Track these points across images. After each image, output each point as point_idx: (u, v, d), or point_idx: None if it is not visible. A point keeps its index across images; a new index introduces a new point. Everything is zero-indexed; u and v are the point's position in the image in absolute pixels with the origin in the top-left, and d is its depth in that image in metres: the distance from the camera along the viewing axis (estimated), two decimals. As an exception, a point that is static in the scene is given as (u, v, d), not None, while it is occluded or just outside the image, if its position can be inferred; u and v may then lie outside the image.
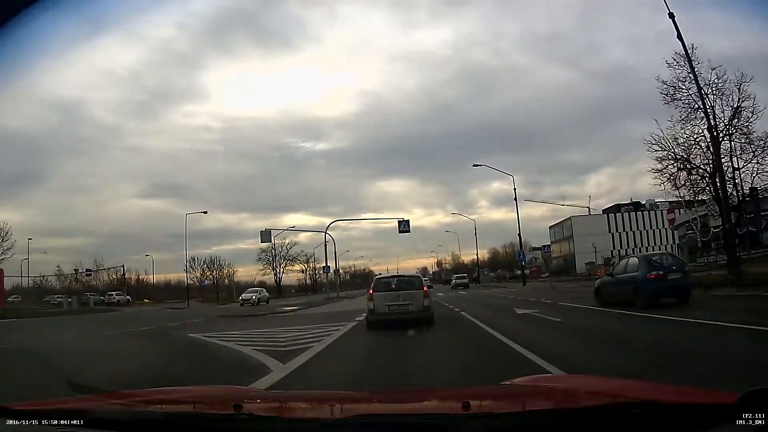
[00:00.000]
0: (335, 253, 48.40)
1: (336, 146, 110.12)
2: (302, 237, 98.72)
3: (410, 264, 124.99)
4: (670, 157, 20.19)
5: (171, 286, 67.03)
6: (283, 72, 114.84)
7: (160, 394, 2.44)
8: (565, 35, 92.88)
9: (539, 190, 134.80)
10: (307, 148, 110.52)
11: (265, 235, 40.81)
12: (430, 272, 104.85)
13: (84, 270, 57.34)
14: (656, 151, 20.29)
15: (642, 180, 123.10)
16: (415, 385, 5.49)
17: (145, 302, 53.19)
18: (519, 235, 44.26)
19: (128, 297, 53.09)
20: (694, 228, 39.89)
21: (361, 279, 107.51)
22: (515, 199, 41.71)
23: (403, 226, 38.00)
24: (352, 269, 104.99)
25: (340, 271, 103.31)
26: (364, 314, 14.05)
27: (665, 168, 20.33)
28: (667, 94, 19.40)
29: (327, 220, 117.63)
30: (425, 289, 12.97)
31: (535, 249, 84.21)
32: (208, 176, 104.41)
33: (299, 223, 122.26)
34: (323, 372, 7.35)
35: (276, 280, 70.35)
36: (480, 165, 43.27)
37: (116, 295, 52.25)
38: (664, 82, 19.45)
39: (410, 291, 12.68)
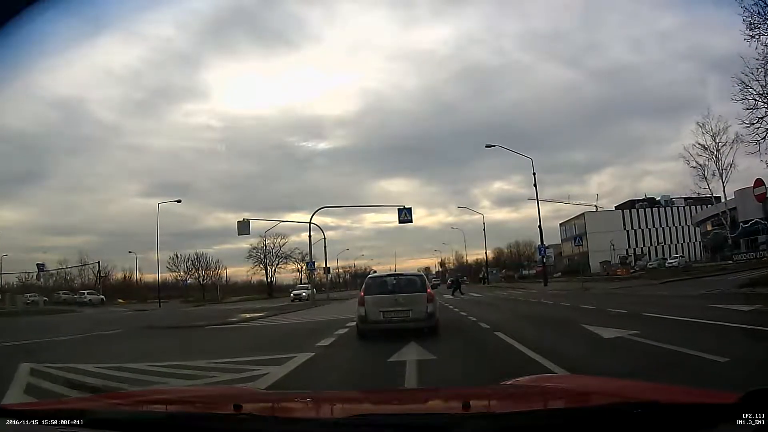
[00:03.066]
0: (325, 248, 45.95)
1: (337, 145, 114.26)
2: (304, 236, 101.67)
3: (413, 264, 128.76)
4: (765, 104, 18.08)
5: (167, 285, 67.65)
6: (283, 71, 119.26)
7: (160, 394, 2.55)
8: (565, 34, 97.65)
9: (541, 190, 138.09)
10: (309, 148, 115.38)
11: (243, 226, 36.74)
12: (433, 272, 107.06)
13: (37, 267, 56.56)
14: (747, 98, 18.39)
15: (645, 180, 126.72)
16: None
17: (119, 302, 52.88)
18: (539, 227, 40.58)
19: (102, 297, 52.91)
20: (724, 222, 39.41)
21: (362, 279, 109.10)
22: (535, 185, 38.69)
23: (404, 215, 34.70)
24: (352, 269, 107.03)
25: (339, 270, 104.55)
26: (342, 329, 12.51)
27: (761, 120, 18.42)
28: (750, 24, 16.93)
29: (329, 220, 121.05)
30: (429, 291, 11.27)
31: None
32: (209, 175, 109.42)
33: (300, 223, 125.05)
34: None
35: (267, 280, 70.35)
36: (494, 146, 40.49)
37: (88, 294, 52.13)
38: (742, 5, 17.12)
39: (411, 294, 10.96)
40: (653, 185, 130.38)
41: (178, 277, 66.57)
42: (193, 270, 67.98)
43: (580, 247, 43.44)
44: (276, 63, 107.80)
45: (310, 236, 38.65)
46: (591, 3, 77.86)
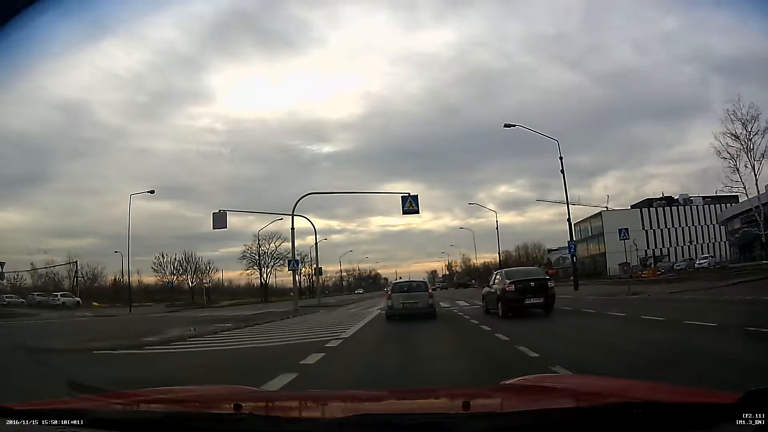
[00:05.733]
0: (316, 244, 44.47)
1: (342, 149, 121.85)
2: (309, 239, 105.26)
3: (418, 267, 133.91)
4: None
5: (161, 288, 67.62)
6: (286, 74, 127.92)
7: (160, 394, 2.66)
8: (569, 36, 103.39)
9: (546, 193, 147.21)
10: (313, 151, 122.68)
11: (219, 219, 33.02)
12: (440, 275, 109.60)
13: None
14: None
15: (650, 183, 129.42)
16: None
17: (94, 305, 51.89)
18: (568, 219, 37.34)
19: (78, 299, 52.80)
20: (758, 218, 38.61)
21: (366, 282, 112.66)
22: (562, 171, 35.69)
23: (409, 204, 30.04)
24: (356, 272, 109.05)
25: (343, 273, 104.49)
26: (293, 372, 9.10)
27: None
28: None
29: (334, 223, 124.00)
30: (430, 291, 19.52)
31: (551, 251, 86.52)
32: (213, 178, 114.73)
33: (305, 226, 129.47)
34: None
35: (261, 283, 70.24)
36: (513, 125, 36.91)
37: (61, 296, 51.96)
38: None
39: (419, 292, 18.77)
40: (658, 188, 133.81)
41: (165, 280, 66.75)
42: (181, 272, 68.11)
43: (626, 240, 38.37)
44: (279, 66, 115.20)
45: (293, 229, 34.79)
46: (593, 5, 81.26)
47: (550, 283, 17.75)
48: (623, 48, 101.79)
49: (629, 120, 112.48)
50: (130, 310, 43.16)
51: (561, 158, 35.78)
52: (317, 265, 46.51)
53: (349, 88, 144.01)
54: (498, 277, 18.76)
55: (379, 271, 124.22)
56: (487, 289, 20.08)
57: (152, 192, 48.73)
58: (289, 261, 38.36)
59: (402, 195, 30.57)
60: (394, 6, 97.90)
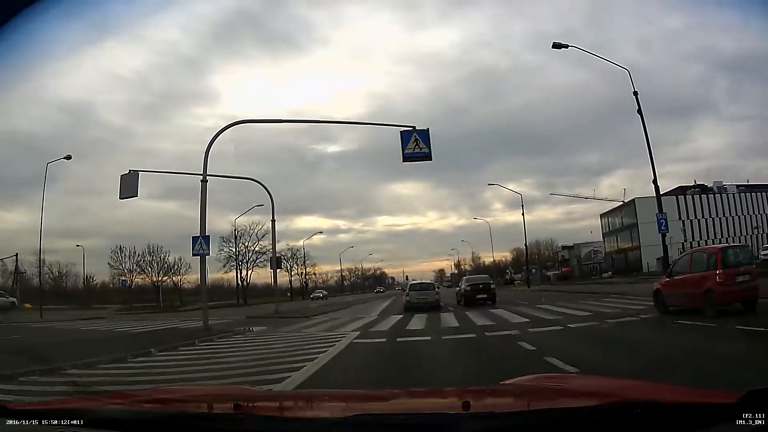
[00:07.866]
0: (273, 221, 32.76)
1: (347, 148, 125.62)
2: (316, 239, 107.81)
3: (425, 266, 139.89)
4: None
5: (145, 289, 66.02)
6: (291, 74, 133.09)
7: (160, 394, 2.80)
8: (573, 35, 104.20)
9: (553, 191, 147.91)
10: (318, 150, 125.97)
11: (128, 182, 23.21)
12: (448, 274, 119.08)
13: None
14: None
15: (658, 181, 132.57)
16: None
17: (26, 307, 47.50)
18: (654, 181, 28.03)
19: (13, 300, 49.43)
20: None
21: (369, 282, 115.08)
22: (639, 111, 26.43)
23: (414, 143, 19.38)
24: (359, 271, 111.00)
25: (345, 272, 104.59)
26: None
27: None
28: None
29: (340, 222, 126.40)
30: (436, 290, 29.13)
31: (565, 247, 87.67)
32: (218, 178, 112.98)
33: (311, 226, 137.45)
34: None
35: (237, 283, 65.05)
36: (565, 45, 25.99)
37: None
38: None
39: (428, 291, 28.31)
40: (663, 187, 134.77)
41: (123, 278, 62.48)
42: (142, 269, 63.31)
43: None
44: (283, 66, 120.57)
45: (204, 190, 21.04)
46: (597, 4, 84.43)
47: (492, 285, 29.95)
48: (627, 47, 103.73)
49: (634, 119, 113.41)
50: (41, 316, 37.08)
51: (636, 93, 28.41)
52: (274, 249, 35.05)
53: (354, 88, 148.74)
54: (462, 281, 32.91)
55: (385, 270, 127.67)
56: (457, 288, 33.72)
57: (69, 158, 42.12)
58: (194, 238, 20.08)
59: (403, 129, 19.68)
60: (398, 5, 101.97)
